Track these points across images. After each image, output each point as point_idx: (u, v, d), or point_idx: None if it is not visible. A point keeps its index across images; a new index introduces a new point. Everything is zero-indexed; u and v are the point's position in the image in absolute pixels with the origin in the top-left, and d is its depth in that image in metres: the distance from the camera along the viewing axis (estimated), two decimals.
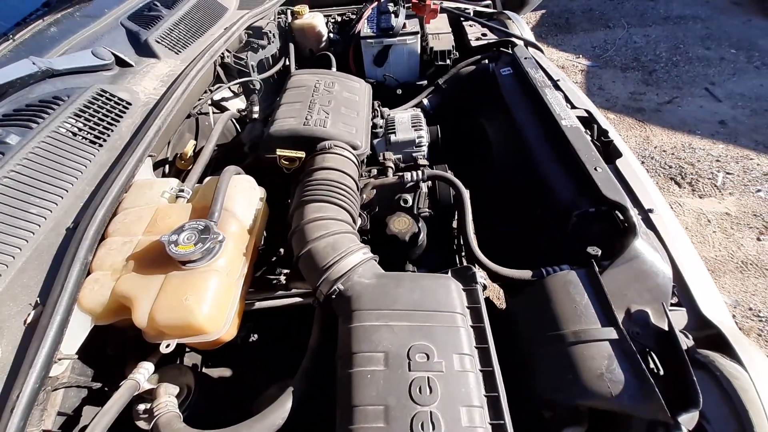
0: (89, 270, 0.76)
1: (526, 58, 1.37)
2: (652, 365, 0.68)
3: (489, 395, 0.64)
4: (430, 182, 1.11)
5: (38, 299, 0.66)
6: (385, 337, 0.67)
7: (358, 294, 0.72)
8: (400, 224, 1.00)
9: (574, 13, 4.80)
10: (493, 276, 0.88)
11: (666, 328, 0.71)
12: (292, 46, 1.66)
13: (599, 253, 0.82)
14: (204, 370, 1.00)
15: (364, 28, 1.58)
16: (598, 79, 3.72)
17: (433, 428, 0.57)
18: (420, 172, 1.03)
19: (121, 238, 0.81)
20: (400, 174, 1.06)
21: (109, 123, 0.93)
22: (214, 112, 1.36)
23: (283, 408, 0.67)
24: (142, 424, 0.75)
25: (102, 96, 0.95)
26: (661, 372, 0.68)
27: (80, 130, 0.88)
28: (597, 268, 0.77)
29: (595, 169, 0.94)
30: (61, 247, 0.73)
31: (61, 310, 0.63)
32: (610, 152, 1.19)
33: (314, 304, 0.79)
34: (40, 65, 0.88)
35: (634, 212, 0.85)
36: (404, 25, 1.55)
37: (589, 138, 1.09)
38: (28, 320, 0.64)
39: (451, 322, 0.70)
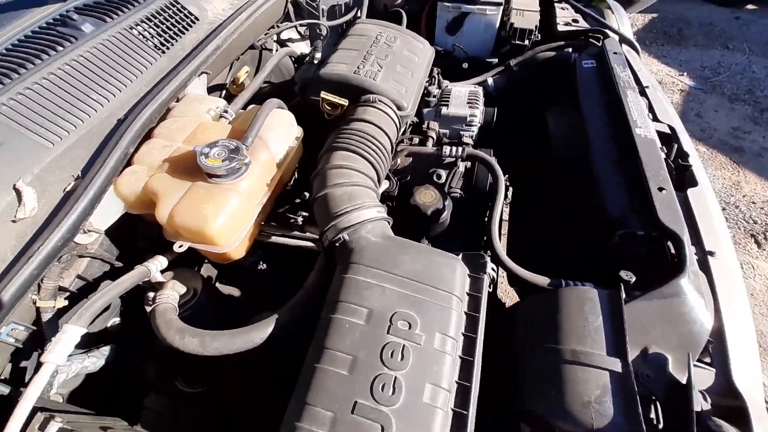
0: (131, 162, 0.82)
1: (615, 53, 1.22)
2: (652, 415, 0.62)
3: (461, 383, 0.61)
4: (468, 163, 1.05)
5: (80, 173, 0.72)
6: (375, 295, 0.66)
7: (360, 248, 0.71)
8: (426, 197, 0.96)
9: (691, 24, 4.20)
10: (511, 275, 0.83)
11: (683, 381, 0.63)
12: None
13: (633, 279, 0.74)
14: (216, 284, 1.07)
15: None
16: (699, 104, 3.27)
17: (393, 393, 0.56)
18: (460, 149, 0.97)
19: (163, 141, 0.86)
20: (440, 147, 1.01)
21: (174, 33, 0.96)
22: (276, 49, 1.37)
23: (264, 330, 0.69)
24: (147, 308, 0.82)
25: (173, 6, 0.98)
26: (660, 425, 0.61)
27: (149, 34, 0.92)
28: (624, 294, 0.69)
29: (660, 189, 0.83)
30: (109, 134, 0.78)
31: (96, 186, 0.69)
32: (684, 178, 1.05)
33: (319, 248, 0.80)
34: None
35: (689, 248, 0.75)
36: None
37: (663, 155, 0.96)
38: (68, 189, 0.70)
39: (445, 302, 0.67)
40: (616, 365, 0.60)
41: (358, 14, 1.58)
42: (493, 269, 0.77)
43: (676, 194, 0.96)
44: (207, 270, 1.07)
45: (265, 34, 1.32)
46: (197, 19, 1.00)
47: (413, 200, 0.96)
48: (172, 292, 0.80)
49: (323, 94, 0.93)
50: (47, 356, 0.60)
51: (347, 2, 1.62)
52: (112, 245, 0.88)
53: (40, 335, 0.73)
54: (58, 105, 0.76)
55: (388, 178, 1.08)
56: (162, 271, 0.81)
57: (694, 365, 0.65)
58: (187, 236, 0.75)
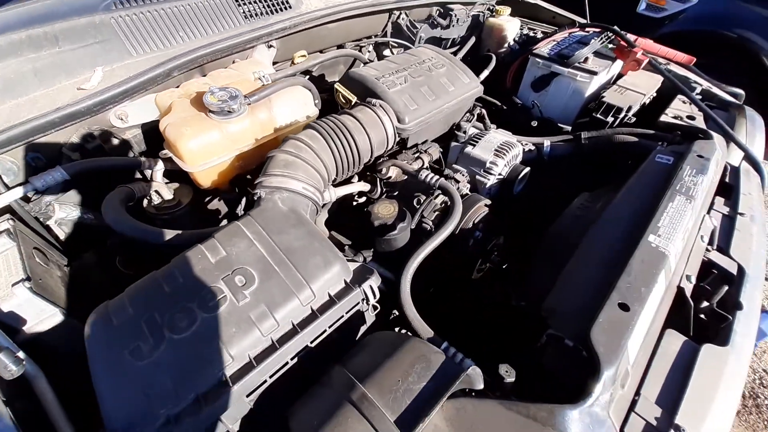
0: (177, 85, 1.05)
1: (700, 156, 0.97)
2: None
3: (251, 360, 0.58)
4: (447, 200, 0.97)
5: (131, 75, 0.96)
6: (239, 246, 0.68)
7: (263, 209, 0.75)
8: (383, 209, 0.93)
9: None
10: (401, 313, 0.74)
11: None
12: (473, 39, 1.66)
13: (511, 378, 0.57)
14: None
15: (544, 46, 1.42)
16: None
17: (184, 326, 0.58)
18: (434, 177, 0.91)
19: (206, 80, 1.07)
20: (420, 169, 0.97)
21: (265, 11, 1.19)
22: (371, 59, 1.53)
23: (174, 236, 0.79)
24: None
25: None
26: None
27: (246, 5, 1.17)
28: (476, 382, 0.55)
29: (621, 305, 0.63)
30: (168, 60, 1.02)
31: (130, 84, 0.92)
32: (713, 329, 0.76)
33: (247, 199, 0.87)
34: None
35: (605, 382, 0.54)
36: (585, 60, 1.31)
37: (668, 281, 0.72)
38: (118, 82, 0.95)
39: (294, 286, 0.65)
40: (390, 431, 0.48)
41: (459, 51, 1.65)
42: (373, 292, 0.70)
43: (687, 342, 0.71)
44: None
45: (361, 40, 1.50)
46: (290, 7, 1.23)
47: (370, 207, 0.94)
48: (158, 192, 0.97)
49: (337, 86, 1.01)
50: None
51: (454, 39, 1.70)
52: (139, 137, 1.11)
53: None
54: (153, 30, 1.04)
55: (372, 181, 1.09)
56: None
57: None
58: (168, 146, 0.92)
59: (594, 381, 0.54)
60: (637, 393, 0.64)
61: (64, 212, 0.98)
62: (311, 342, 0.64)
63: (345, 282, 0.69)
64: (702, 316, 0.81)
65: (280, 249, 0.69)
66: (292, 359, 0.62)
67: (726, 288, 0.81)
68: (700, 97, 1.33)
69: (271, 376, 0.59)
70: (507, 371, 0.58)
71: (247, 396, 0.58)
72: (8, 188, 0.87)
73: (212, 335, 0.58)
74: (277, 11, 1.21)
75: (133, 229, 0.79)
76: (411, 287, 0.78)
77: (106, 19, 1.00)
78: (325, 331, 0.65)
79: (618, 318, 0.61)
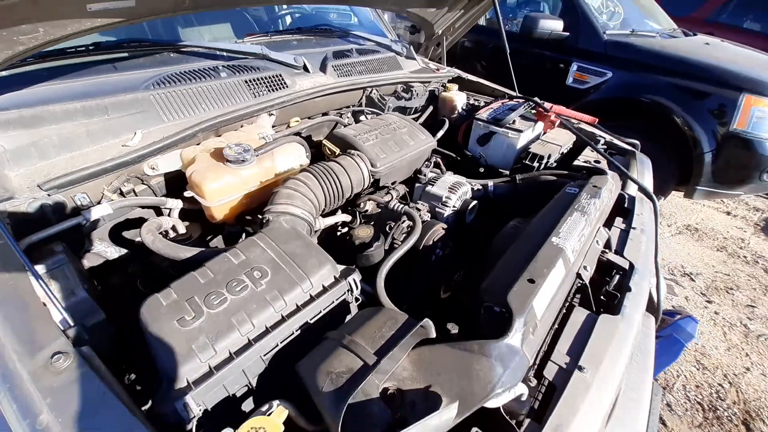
0: (198, 143, 1.34)
1: (594, 186, 1.32)
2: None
3: (268, 329, 0.79)
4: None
5: (164, 137, 1.25)
6: (255, 252, 0.92)
7: (271, 228, 1.01)
8: (362, 232, 1.20)
9: None
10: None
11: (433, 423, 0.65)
12: (430, 108, 2.09)
13: (456, 331, 0.80)
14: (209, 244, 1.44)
15: (484, 112, 1.84)
16: None
17: (216, 303, 0.79)
18: (400, 206, 1.20)
19: (221, 140, 1.38)
20: (390, 202, 1.26)
21: (268, 89, 1.55)
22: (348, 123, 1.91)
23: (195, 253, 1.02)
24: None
25: (277, 78, 1.59)
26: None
27: (254, 85, 1.53)
28: (430, 331, 0.78)
29: (530, 280, 0.89)
30: (192, 126, 1.32)
31: (162, 144, 1.20)
32: (609, 305, 1.03)
33: (257, 223, 1.12)
34: (262, 50, 1.60)
35: (518, 325, 0.79)
36: (513, 122, 1.72)
37: (567, 268, 0.99)
38: (153, 141, 1.23)
39: (297, 278, 0.88)
40: (370, 359, 0.69)
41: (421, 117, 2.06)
42: (356, 283, 0.94)
43: (589, 314, 0.97)
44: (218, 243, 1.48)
45: (341, 109, 1.88)
46: (286, 86, 1.60)
47: (352, 231, 1.21)
48: (171, 222, 1.21)
49: (325, 141, 1.33)
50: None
51: (415, 107, 2.13)
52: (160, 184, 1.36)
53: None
54: (182, 104, 1.35)
55: (353, 214, 1.36)
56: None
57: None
58: (192, 187, 1.18)
59: (510, 326, 0.78)
60: (551, 348, 0.88)
61: (101, 245, 1.19)
62: (310, 319, 0.86)
63: (334, 277, 0.93)
64: (602, 297, 1.08)
65: (285, 254, 0.93)
66: (296, 331, 0.83)
67: (618, 276, 1.10)
68: (604, 147, 1.75)
69: (281, 342, 0.80)
70: (452, 327, 0.81)
71: (264, 356, 0.78)
72: (62, 220, 1.09)
73: (238, 310, 0.80)
74: (276, 90, 1.57)
75: (168, 246, 1.02)
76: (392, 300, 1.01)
77: (146, 96, 1.31)
78: (320, 312, 0.87)
79: (526, 288, 0.87)
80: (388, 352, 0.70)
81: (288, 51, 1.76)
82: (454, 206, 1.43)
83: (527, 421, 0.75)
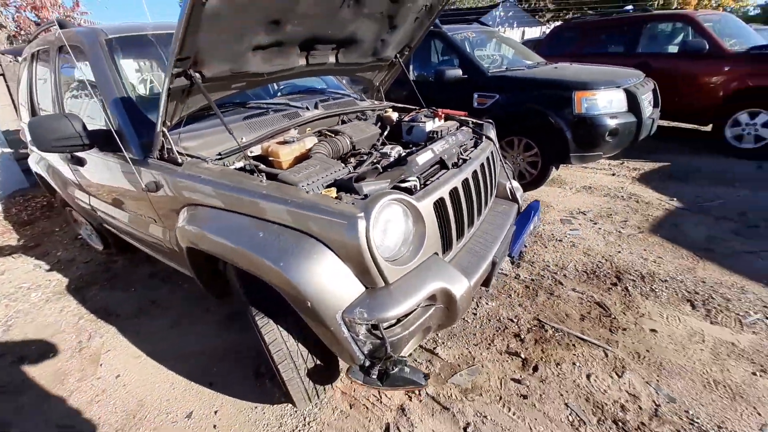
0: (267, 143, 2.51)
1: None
2: None
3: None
4: None
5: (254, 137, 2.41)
6: None
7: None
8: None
9: (701, 170, 4.86)
10: None
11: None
12: (379, 123, 3.39)
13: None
14: None
15: (407, 117, 3.13)
16: (680, 219, 3.78)
17: None
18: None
19: (276, 139, 2.55)
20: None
21: (290, 118, 2.77)
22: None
23: None
24: None
25: (295, 113, 2.83)
26: None
27: (285, 115, 2.76)
28: None
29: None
30: (263, 135, 2.49)
31: (255, 140, 2.36)
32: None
33: None
34: (286, 101, 2.86)
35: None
36: (422, 118, 3.01)
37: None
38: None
39: None
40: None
41: None
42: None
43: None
44: None
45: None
46: (300, 116, 2.82)
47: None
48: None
49: (324, 130, 2.53)
50: None
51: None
52: None
53: None
54: (257, 125, 2.52)
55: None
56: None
57: None
58: (272, 155, 2.29)
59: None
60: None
61: None
62: None
63: None
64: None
65: None
66: None
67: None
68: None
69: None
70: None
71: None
72: None
73: None
74: (295, 117, 2.80)
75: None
76: None
77: (243, 123, 2.47)
78: None
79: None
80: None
81: (298, 101, 3.03)
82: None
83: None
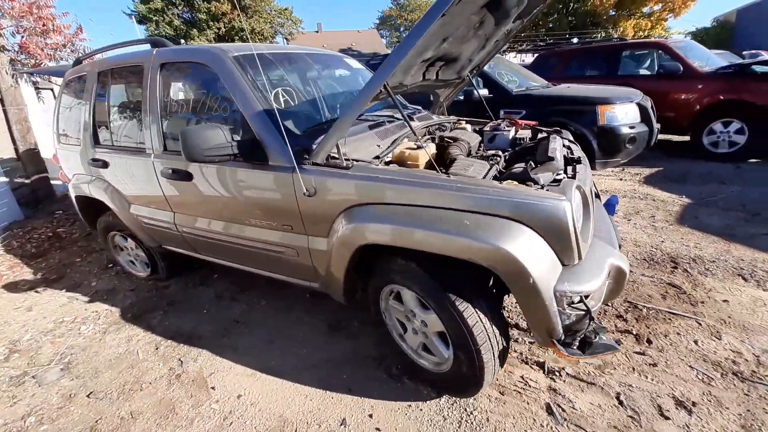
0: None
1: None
2: None
3: None
4: None
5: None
6: None
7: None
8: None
9: (691, 172, 5.61)
10: None
11: None
12: None
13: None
14: None
15: (487, 127, 3.41)
16: (696, 212, 4.35)
17: None
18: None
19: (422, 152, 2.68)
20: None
21: (400, 128, 2.92)
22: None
23: None
24: None
25: (403, 124, 2.98)
26: None
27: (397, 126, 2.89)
28: None
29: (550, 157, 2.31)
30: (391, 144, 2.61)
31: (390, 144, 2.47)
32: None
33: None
34: (394, 114, 3.01)
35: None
36: (505, 127, 3.30)
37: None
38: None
39: None
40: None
41: None
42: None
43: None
44: None
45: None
46: (409, 126, 2.98)
47: None
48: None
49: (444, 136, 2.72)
50: None
51: None
52: None
53: None
54: (381, 135, 2.63)
55: None
56: None
57: None
58: (411, 159, 2.40)
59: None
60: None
61: None
62: None
63: None
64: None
65: None
66: None
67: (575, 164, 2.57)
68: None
69: None
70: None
71: None
72: None
73: None
74: (405, 127, 2.95)
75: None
76: None
77: (371, 133, 2.56)
78: None
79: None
80: None
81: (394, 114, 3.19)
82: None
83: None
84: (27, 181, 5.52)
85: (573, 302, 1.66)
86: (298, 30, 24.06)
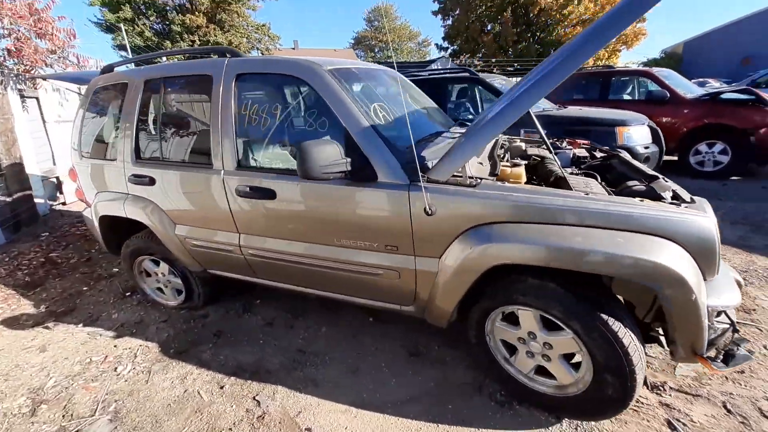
0: None
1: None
2: None
3: None
4: None
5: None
6: None
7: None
8: None
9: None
10: None
11: None
12: None
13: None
14: None
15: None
16: None
17: None
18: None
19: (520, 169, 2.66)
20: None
21: None
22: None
23: None
24: None
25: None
26: None
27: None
28: None
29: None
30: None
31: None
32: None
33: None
34: None
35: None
36: (566, 147, 3.41)
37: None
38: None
39: None
40: None
41: None
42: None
43: None
44: None
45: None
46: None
47: None
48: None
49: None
50: None
51: None
52: None
53: None
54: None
55: None
56: None
57: None
58: (511, 176, 2.37)
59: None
60: None
61: None
62: None
63: None
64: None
65: None
66: None
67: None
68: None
69: None
70: None
71: None
72: None
73: None
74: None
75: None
76: None
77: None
78: None
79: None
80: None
81: None
82: None
83: None
84: (8, 200, 4.89)
85: (716, 315, 1.70)
86: (276, 46, 23.91)
